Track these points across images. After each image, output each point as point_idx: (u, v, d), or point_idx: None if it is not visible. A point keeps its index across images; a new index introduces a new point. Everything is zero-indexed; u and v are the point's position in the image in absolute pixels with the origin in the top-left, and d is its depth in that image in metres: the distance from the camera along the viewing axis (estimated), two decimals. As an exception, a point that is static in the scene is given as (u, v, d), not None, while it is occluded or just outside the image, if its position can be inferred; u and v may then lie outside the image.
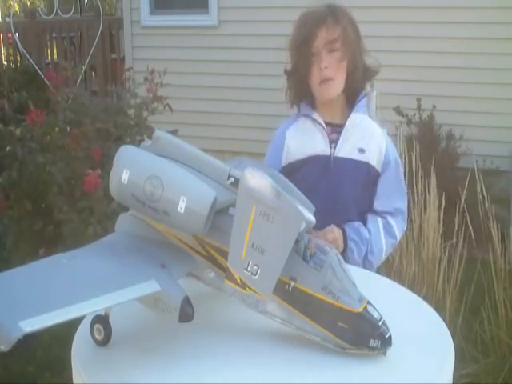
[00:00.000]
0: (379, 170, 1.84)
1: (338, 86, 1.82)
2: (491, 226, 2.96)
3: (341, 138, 1.83)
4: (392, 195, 1.88)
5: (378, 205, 1.87)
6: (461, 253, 2.99)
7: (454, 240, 3.00)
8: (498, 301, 2.87)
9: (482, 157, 4.47)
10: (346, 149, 1.82)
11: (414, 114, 4.73)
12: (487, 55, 4.92)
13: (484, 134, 4.89)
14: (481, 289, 2.91)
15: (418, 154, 3.18)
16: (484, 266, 2.95)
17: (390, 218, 1.87)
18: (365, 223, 1.85)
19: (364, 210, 1.88)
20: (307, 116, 1.87)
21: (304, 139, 1.86)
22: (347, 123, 1.84)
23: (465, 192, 3.09)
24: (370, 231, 1.83)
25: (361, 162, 1.82)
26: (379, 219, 1.86)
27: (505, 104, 4.90)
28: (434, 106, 4.72)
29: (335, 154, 1.82)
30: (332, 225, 1.77)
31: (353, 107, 1.86)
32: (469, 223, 2.98)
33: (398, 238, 1.91)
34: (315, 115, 1.85)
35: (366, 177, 1.84)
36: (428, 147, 4.05)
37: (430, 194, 3.09)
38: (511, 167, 4.72)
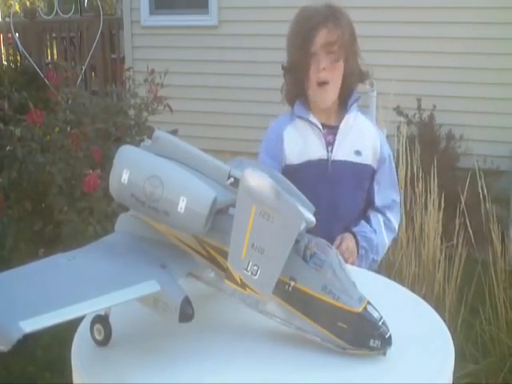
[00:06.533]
0: (375, 166, 1.86)
1: (333, 90, 1.81)
2: (491, 226, 2.95)
3: (336, 141, 1.82)
4: (388, 188, 1.91)
5: (378, 200, 1.89)
6: (460, 253, 2.99)
7: (455, 241, 3.00)
8: (497, 301, 2.87)
9: (482, 157, 4.47)
10: (343, 151, 1.82)
11: (414, 114, 4.73)
12: (487, 55, 4.92)
13: (484, 134, 4.89)
14: (481, 289, 2.91)
15: (419, 154, 3.18)
16: (484, 267, 2.95)
17: (388, 213, 1.90)
18: (366, 220, 1.87)
19: (363, 207, 1.89)
20: (302, 118, 1.85)
21: (302, 143, 1.84)
22: (341, 125, 1.84)
23: (465, 192, 3.08)
24: (375, 232, 1.84)
25: (359, 164, 1.83)
26: (380, 216, 1.88)
27: (505, 104, 4.90)
28: (434, 106, 4.73)
29: (333, 158, 1.81)
30: (347, 233, 1.78)
31: (346, 108, 1.85)
32: (468, 224, 2.98)
33: (396, 231, 1.94)
34: (311, 117, 1.84)
35: (363, 176, 1.85)
36: (428, 147, 4.05)
37: (430, 195, 3.08)
38: (511, 167, 4.72)
